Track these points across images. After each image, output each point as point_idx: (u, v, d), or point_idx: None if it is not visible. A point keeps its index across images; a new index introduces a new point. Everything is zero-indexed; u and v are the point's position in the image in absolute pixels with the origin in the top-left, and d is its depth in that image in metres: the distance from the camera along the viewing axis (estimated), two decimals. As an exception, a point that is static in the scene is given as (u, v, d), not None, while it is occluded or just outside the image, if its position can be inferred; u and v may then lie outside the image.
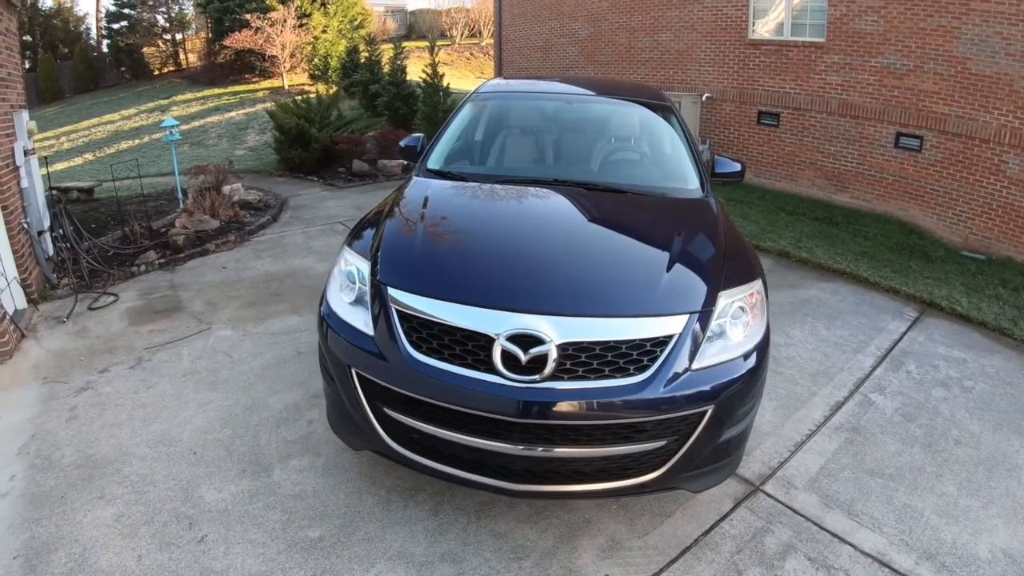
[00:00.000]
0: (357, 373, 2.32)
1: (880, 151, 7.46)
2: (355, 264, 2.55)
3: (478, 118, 3.85)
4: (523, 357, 2.08)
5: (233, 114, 15.11)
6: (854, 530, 2.67)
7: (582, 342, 2.12)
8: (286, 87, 16.46)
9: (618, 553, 2.46)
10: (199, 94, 17.25)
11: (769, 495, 2.86)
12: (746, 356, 2.34)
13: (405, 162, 9.45)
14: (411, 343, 2.23)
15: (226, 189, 6.87)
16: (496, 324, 2.13)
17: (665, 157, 3.57)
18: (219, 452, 3.00)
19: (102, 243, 5.45)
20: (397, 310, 2.29)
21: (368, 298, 2.41)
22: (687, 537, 2.56)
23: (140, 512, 2.60)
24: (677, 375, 2.16)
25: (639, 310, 2.23)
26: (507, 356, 2.10)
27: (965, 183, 6.68)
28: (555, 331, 2.11)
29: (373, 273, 2.44)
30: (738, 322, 2.38)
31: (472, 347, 2.15)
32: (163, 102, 16.86)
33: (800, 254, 6.00)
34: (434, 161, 3.48)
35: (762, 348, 2.42)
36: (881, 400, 3.70)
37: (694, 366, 2.21)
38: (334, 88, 13.38)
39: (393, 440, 2.32)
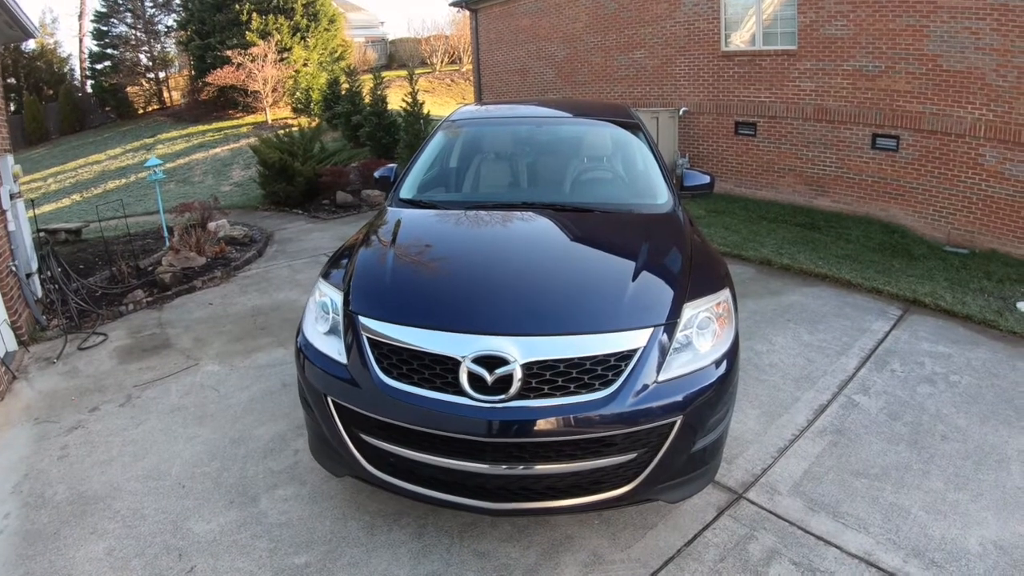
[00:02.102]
0: (333, 401, 2.36)
1: (858, 153, 7.56)
2: (329, 295, 2.61)
3: (449, 146, 3.93)
4: (489, 378, 2.12)
5: (218, 150, 15.24)
6: (839, 532, 2.67)
7: (546, 360, 2.16)
8: (269, 121, 16.61)
9: (601, 567, 2.45)
10: (183, 131, 17.38)
11: (752, 502, 2.85)
12: (715, 365, 2.36)
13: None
14: (382, 369, 2.27)
15: (212, 226, 6.93)
16: (461, 347, 2.17)
17: (633, 173, 3.63)
18: (207, 484, 3.03)
19: (90, 283, 5.49)
20: (368, 338, 2.34)
21: (341, 328, 2.46)
22: (670, 548, 2.56)
23: (131, 545, 2.65)
24: (644, 388, 2.19)
25: (602, 326, 2.26)
26: (474, 378, 2.14)
27: (944, 179, 6.76)
28: (519, 351, 2.14)
29: (346, 303, 2.49)
30: (705, 332, 2.41)
31: (440, 370, 2.19)
32: (148, 140, 17.00)
33: (782, 260, 6.05)
34: (406, 191, 3.55)
35: (731, 356, 2.44)
36: (865, 401, 3.71)
37: (660, 378, 2.23)
38: (316, 121, 13.54)
39: (371, 465, 2.35)
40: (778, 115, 8.35)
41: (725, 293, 2.60)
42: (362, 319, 2.38)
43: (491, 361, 2.14)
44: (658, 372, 2.23)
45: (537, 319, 2.29)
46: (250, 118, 17.62)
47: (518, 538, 2.59)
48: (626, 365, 2.20)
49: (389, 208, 3.41)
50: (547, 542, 2.58)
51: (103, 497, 2.96)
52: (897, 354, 4.27)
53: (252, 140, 11.74)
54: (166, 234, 6.70)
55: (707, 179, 3.64)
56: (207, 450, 3.32)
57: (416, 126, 11.03)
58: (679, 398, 2.23)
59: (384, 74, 12.90)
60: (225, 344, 4.67)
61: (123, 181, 14.14)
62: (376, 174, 3.87)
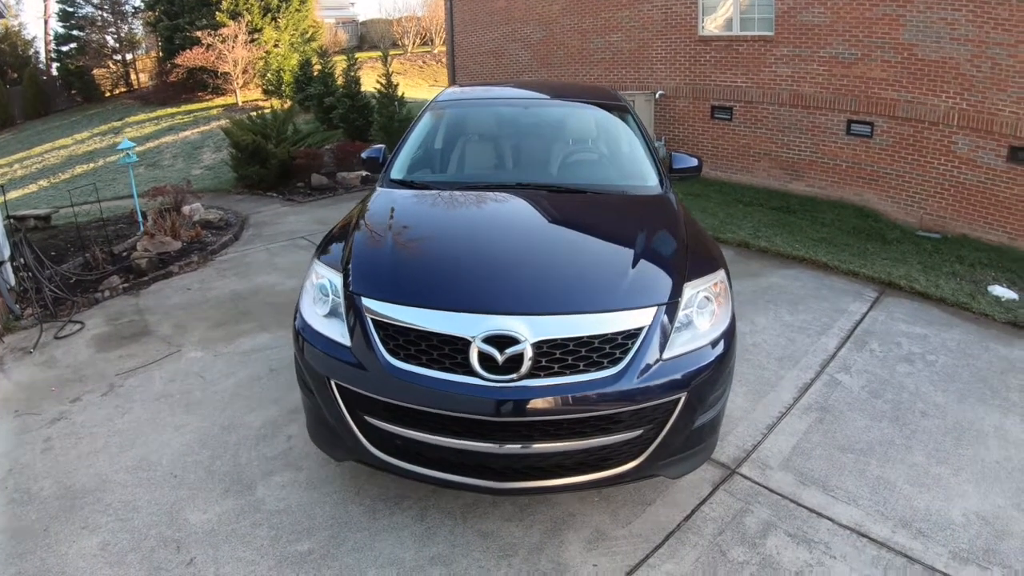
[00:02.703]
0: (336, 384, 2.33)
1: (832, 139, 7.71)
2: (327, 277, 2.57)
3: (438, 127, 3.89)
4: (499, 357, 2.12)
5: (188, 133, 14.84)
6: (830, 504, 2.76)
7: (555, 339, 2.17)
8: (240, 103, 16.25)
9: (604, 543, 2.50)
10: (152, 114, 16.88)
11: (746, 477, 2.93)
12: (714, 344, 2.41)
13: (365, 173, 9.47)
14: (388, 351, 2.25)
15: (186, 209, 6.76)
16: (471, 327, 2.17)
17: (623, 156, 3.65)
18: (200, 473, 2.97)
19: (64, 271, 5.31)
20: (372, 319, 2.31)
21: (342, 309, 2.43)
22: (670, 523, 2.62)
23: (126, 539, 2.58)
24: (649, 366, 2.23)
25: (608, 305, 2.29)
26: (484, 357, 2.14)
27: (917, 165, 6.94)
28: (529, 330, 2.15)
29: (346, 284, 2.46)
30: (704, 311, 2.46)
31: (449, 351, 2.18)
32: (116, 124, 16.47)
33: (759, 243, 6.15)
34: (397, 171, 3.51)
35: (729, 335, 2.49)
36: (847, 379, 3.82)
37: (664, 356, 2.27)
38: (288, 103, 13.23)
39: (376, 448, 2.34)
40: (754, 100, 8.44)
41: (721, 274, 2.65)
42: (365, 300, 2.35)
43: (501, 340, 2.14)
44: (662, 350, 2.27)
45: (545, 298, 2.30)
46: (220, 100, 17.19)
47: (521, 517, 2.62)
48: (632, 343, 2.23)
49: (380, 189, 3.37)
50: (549, 520, 2.61)
51: (92, 490, 2.88)
52: (875, 334, 4.40)
53: (223, 122, 11.40)
54: (140, 218, 6.50)
55: (695, 162, 3.67)
56: (197, 438, 3.25)
57: (390, 108, 10.88)
58: (682, 376, 2.27)
59: (357, 55, 12.61)
60: (207, 330, 4.58)
61: (91, 166, 13.68)
62: (363, 155, 3.81)
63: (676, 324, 2.34)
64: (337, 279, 2.52)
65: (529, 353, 2.13)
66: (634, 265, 2.50)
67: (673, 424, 2.29)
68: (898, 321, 4.62)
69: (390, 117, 10.88)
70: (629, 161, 3.56)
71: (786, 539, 2.56)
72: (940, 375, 3.86)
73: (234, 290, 5.34)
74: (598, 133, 3.85)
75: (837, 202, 7.77)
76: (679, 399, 2.27)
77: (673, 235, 2.78)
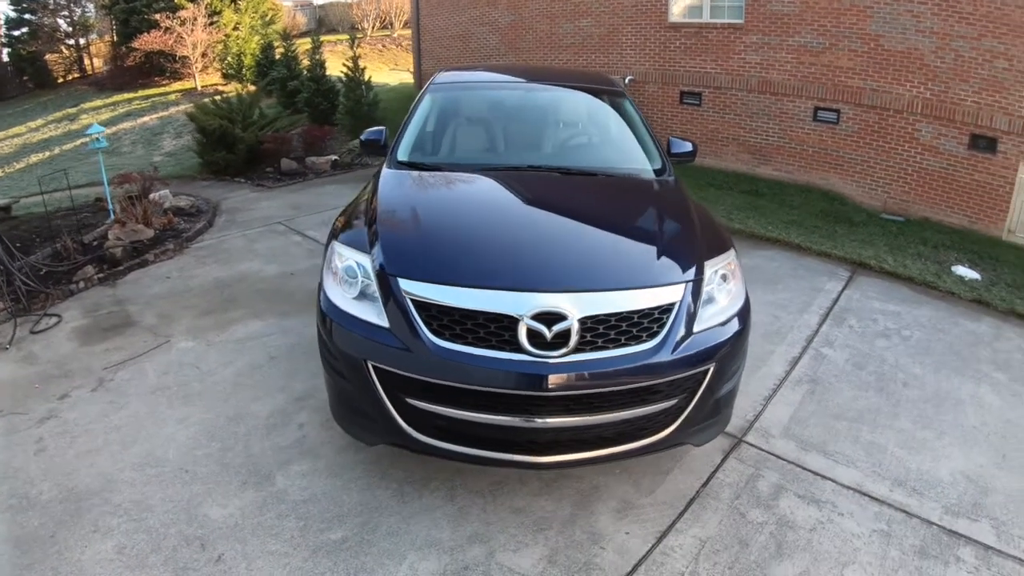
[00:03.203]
0: (374, 366, 2.34)
1: (800, 125, 7.98)
2: (353, 258, 2.56)
3: (442, 109, 3.88)
4: (548, 334, 2.18)
5: (146, 119, 14.26)
6: (832, 467, 2.95)
7: (599, 315, 2.25)
8: (199, 88, 15.71)
9: (632, 512, 2.61)
10: (108, 100, 16.17)
11: (752, 445, 3.10)
12: (733, 318, 2.55)
13: (334, 158, 9.38)
14: (432, 331, 2.28)
15: (154, 196, 6.54)
16: (519, 305, 2.22)
17: (628, 140, 3.73)
18: (212, 467, 2.89)
19: (33, 262, 5.08)
20: (413, 300, 2.32)
21: (375, 291, 2.43)
22: (689, 490, 2.76)
23: (144, 540, 2.47)
24: (682, 339, 2.35)
25: (646, 281, 2.39)
26: (531, 334, 2.19)
27: (881, 151, 7.27)
28: (574, 307, 2.22)
29: (380, 266, 2.45)
30: (723, 288, 2.59)
31: (496, 328, 2.23)
32: (71, 111, 15.70)
33: (734, 225, 6.36)
34: (404, 153, 3.49)
35: (745, 311, 2.64)
36: (832, 353, 4.04)
37: (695, 329, 2.40)
38: (250, 87, 12.88)
39: (416, 430, 2.36)
40: (723, 86, 8.65)
41: (732, 253, 2.78)
42: (402, 282, 2.36)
43: (549, 317, 2.20)
44: (692, 324, 2.39)
45: (588, 276, 2.39)
46: (178, 85, 16.57)
47: (549, 492, 2.70)
48: (667, 318, 2.35)
49: (388, 170, 3.34)
50: (577, 493, 2.70)
51: (97, 491, 2.73)
52: (852, 311, 4.65)
53: (182, 108, 10.99)
54: (111, 206, 6.25)
55: (690, 147, 3.80)
56: (203, 431, 3.15)
57: (357, 91, 10.76)
58: (709, 348, 2.40)
59: (321, 38, 12.33)
60: (194, 319, 4.46)
61: (47, 154, 13.03)
62: (363, 137, 3.76)
63: (701, 300, 2.46)
64: (365, 260, 2.52)
65: (576, 329, 2.20)
66: (660, 244, 2.62)
67: (702, 394, 2.42)
68: (872, 299, 4.88)
69: (357, 101, 10.77)
70: (634, 145, 3.65)
71: (797, 500, 2.73)
72: (916, 348, 4.12)
73: (217, 277, 5.21)
74: (603, 118, 3.93)
75: (804, 186, 8.07)
76: (708, 370, 2.41)
77: (687, 216, 2.90)
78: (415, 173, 3.27)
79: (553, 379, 2.17)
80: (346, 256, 2.60)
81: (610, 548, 2.42)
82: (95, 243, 5.67)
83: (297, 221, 6.70)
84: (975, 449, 3.14)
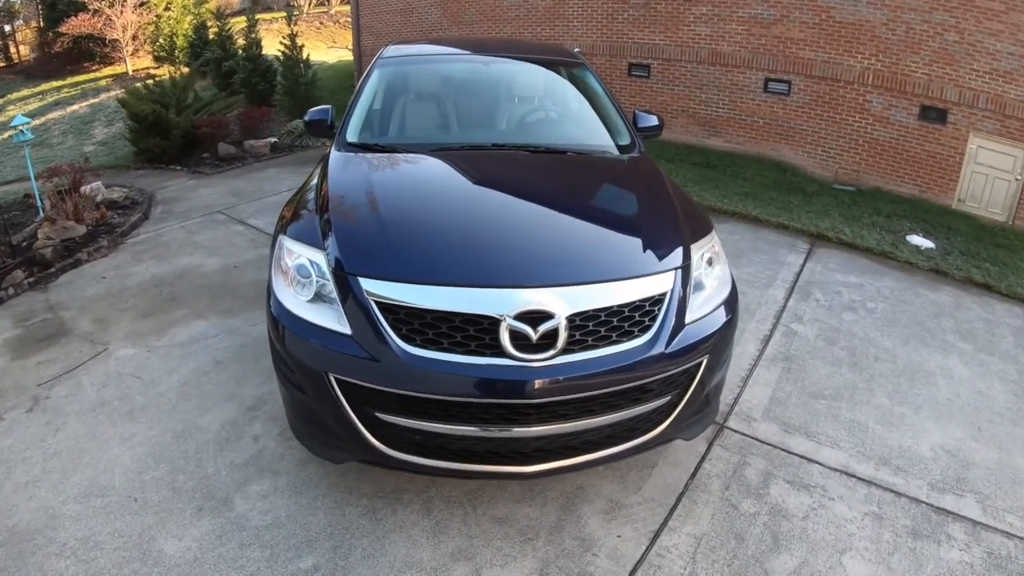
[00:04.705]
0: (337, 379, 2.10)
1: (750, 96, 7.98)
2: (305, 255, 2.29)
3: (392, 85, 3.59)
4: (533, 335, 1.98)
5: (76, 107, 13.38)
6: (816, 450, 2.90)
7: (587, 311, 2.07)
8: (130, 72, 14.92)
9: (621, 512, 2.48)
10: (36, 89, 15.17)
11: (735, 430, 3.02)
12: (722, 306, 2.41)
13: (274, 140, 8.94)
14: (401, 337, 2.04)
15: (86, 189, 6.01)
16: (501, 304, 2.01)
17: (593, 115, 3.53)
18: (163, 493, 2.59)
19: (-55, 268, 4.57)
20: (377, 302, 2.08)
21: (333, 293, 2.18)
22: (677, 483, 2.65)
23: None
24: (675, 331, 2.19)
25: (633, 271, 2.21)
26: (513, 335, 1.99)
27: (832, 122, 7.34)
28: (561, 303, 2.03)
29: (336, 264, 2.20)
30: (710, 273, 2.44)
31: (474, 331, 2.01)
32: (-5, 102, 14.65)
33: (691, 198, 6.30)
34: (353, 133, 3.19)
35: (733, 297, 2.50)
36: (802, 329, 4.01)
37: (686, 320, 2.24)
38: (183, 69, 12.18)
39: (388, 446, 2.13)
40: (672, 58, 8.56)
41: (714, 234, 2.64)
42: (363, 281, 2.10)
43: (533, 316, 2.00)
44: (685, 314, 2.24)
45: (572, 268, 2.18)
46: (108, 70, 15.64)
47: (531, 497, 2.54)
48: (659, 309, 2.18)
49: (337, 152, 3.03)
50: (561, 496, 2.55)
51: (40, 529, 2.44)
52: (816, 284, 4.65)
53: (114, 94, 10.30)
54: (40, 203, 5.72)
55: (656, 120, 3.63)
56: (150, 451, 2.83)
57: (296, 70, 10.32)
58: (702, 338, 2.25)
59: (257, 16, 11.70)
60: (133, 322, 4.08)
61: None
62: (307, 118, 3.42)
63: (691, 286, 2.31)
64: (319, 257, 2.25)
65: (564, 327, 2.01)
66: (645, 229, 2.43)
67: (695, 388, 2.28)
68: (833, 271, 4.90)
69: (295, 80, 10.35)
70: (601, 120, 3.46)
71: (786, 487, 2.66)
72: (882, 321, 4.14)
73: (155, 274, 4.80)
74: (567, 91, 3.72)
75: (755, 157, 8.10)
76: (700, 362, 2.26)
77: (666, 196, 2.73)
78: (368, 156, 2.97)
79: (540, 385, 1.98)
80: (296, 253, 2.32)
81: (603, 554, 2.29)
82: (24, 244, 5.17)
83: (238, 209, 6.30)
84: (951, 422, 3.15)
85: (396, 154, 3.02)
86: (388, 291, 2.08)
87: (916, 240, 5.48)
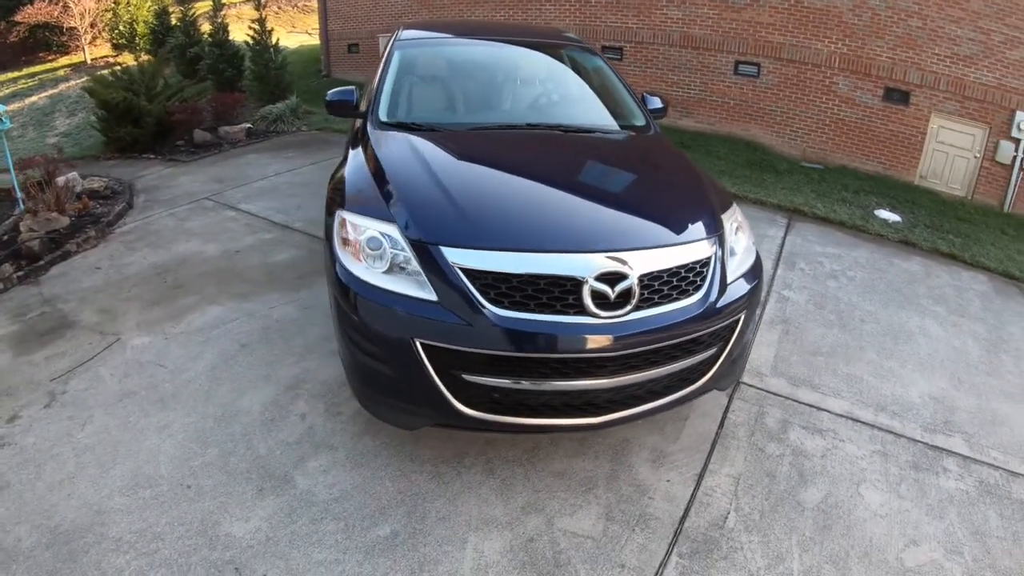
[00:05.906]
0: (422, 343, 2.22)
1: (721, 78, 8.32)
2: (375, 228, 2.39)
3: (418, 67, 3.70)
4: (612, 294, 2.19)
5: (34, 98, 12.88)
6: (823, 399, 3.23)
7: (653, 271, 2.29)
8: (88, 61, 14.38)
9: (666, 460, 2.74)
10: None
11: (750, 385, 3.31)
12: (751, 268, 2.70)
13: (248, 126, 8.79)
14: (490, 301, 2.19)
15: (61, 180, 5.83)
16: (583, 267, 2.19)
17: (610, 97, 3.75)
18: (217, 477, 2.56)
19: (-69, 263, 4.41)
20: (463, 269, 2.21)
21: (411, 262, 2.29)
22: (709, 432, 2.93)
23: None
24: (720, 290, 2.46)
25: (685, 237, 2.46)
26: (594, 295, 2.19)
27: (800, 103, 7.76)
28: (634, 264, 2.25)
29: (416, 235, 2.31)
30: (739, 240, 2.72)
31: (558, 293, 2.19)
32: (-50, 95, 13.80)
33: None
34: (387, 114, 3.28)
35: (758, 262, 2.79)
36: (793, 295, 4.34)
37: (728, 279, 2.52)
38: (145, 56, 11.76)
39: (468, 407, 2.27)
40: (645, 40, 8.82)
41: (735, 205, 2.91)
42: (447, 251, 2.24)
43: (611, 277, 2.20)
44: (727, 275, 2.51)
45: (639, 233, 2.42)
46: (65, 60, 15.02)
47: (584, 452, 2.76)
48: (707, 271, 2.44)
49: (376, 132, 3.11)
50: (609, 450, 2.78)
51: (88, 526, 2.32)
52: (799, 255, 5.00)
53: (73, 83, 9.92)
54: (19, 195, 5.52)
55: (660, 103, 3.86)
56: (192, 437, 2.78)
57: (265, 55, 10.11)
58: (740, 296, 2.53)
59: (222, 1, 11.40)
60: (142, 311, 4.01)
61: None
62: (329, 98, 3.44)
63: (727, 251, 2.58)
64: (391, 230, 2.35)
65: (636, 287, 2.22)
66: (688, 199, 2.72)
67: (734, 341, 2.55)
68: (812, 244, 5.27)
69: (265, 65, 10.15)
70: (618, 101, 3.67)
71: (802, 432, 2.97)
72: (862, 287, 4.52)
73: (154, 263, 4.72)
74: (585, 75, 3.91)
75: (726, 137, 8.47)
76: (739, 319, 2.54)
77: (694, 172, 3.01)
78: (409, 135, 3.06)
79: (617, 339, 2.20)
80: (363, 227, 2.42)
81: (658, 497, 2.54)
82: (6, 237, 5.02)
83: (226, 195, 6.22)
84: (934, 374, 3.53)
85: (437, 132, 3.12)
86: (474, 259, 2.22)
87: (884, 214, 5.92)
